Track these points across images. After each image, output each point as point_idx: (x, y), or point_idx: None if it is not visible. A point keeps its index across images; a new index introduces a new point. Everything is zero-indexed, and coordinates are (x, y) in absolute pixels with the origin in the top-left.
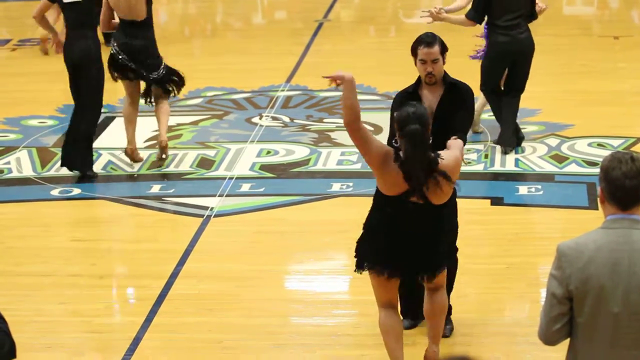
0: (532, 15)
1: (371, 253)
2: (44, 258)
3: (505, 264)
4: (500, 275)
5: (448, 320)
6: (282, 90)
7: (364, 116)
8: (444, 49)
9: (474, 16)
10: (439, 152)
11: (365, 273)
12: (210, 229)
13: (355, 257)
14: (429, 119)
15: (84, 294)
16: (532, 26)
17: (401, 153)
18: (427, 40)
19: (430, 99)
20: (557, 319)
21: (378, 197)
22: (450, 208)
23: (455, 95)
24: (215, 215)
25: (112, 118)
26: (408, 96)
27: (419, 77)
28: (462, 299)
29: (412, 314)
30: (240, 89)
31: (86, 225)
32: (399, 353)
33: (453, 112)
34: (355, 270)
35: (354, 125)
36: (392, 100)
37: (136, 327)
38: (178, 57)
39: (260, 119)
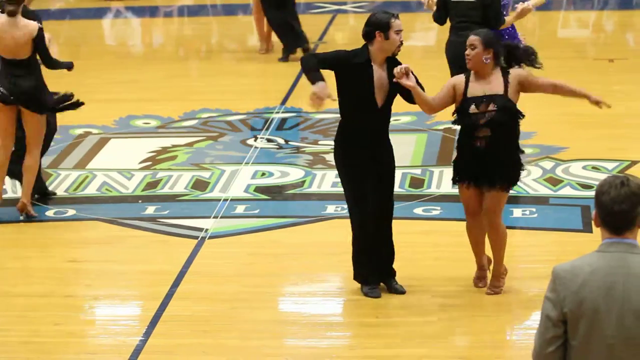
0: (488, 22)
1: (458, 168)
2: (39, 279)
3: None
4: (494, 298)
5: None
6: (277, 112)
7: None
8: None
9: (436, 18)
10: None
11: None
12: (205, 250)
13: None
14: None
15: (79, 315)
16: None
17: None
18: (394, 13)
19: (380, 72)
20: (552, 341)
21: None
22: None
23: (397, 64)
24: (210, 237)
25: (107, 139)
26: (359, 67)
27: (365, 49)
28: (456, 322)
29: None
30: (235, 111)
31: (81, 246)
32: (479, 250)
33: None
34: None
35: (433, 112)
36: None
37: (131, 348)
38: (173, 78)
39: (255, 140)
